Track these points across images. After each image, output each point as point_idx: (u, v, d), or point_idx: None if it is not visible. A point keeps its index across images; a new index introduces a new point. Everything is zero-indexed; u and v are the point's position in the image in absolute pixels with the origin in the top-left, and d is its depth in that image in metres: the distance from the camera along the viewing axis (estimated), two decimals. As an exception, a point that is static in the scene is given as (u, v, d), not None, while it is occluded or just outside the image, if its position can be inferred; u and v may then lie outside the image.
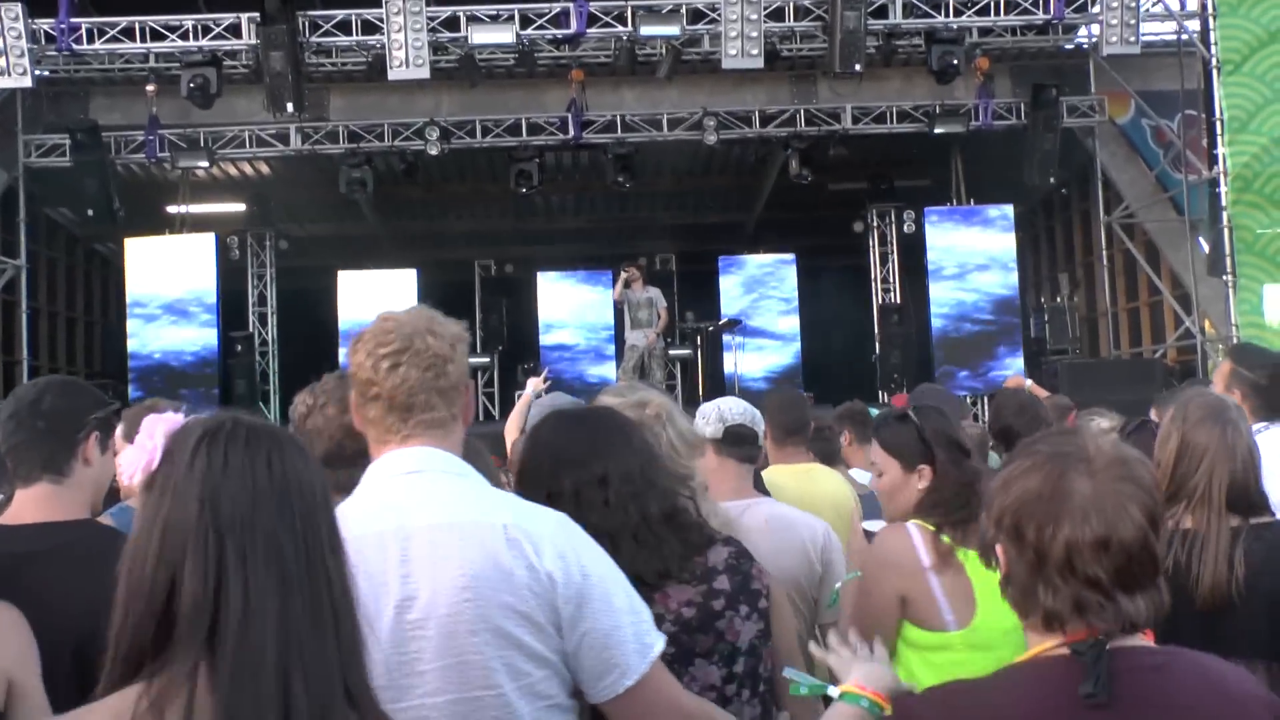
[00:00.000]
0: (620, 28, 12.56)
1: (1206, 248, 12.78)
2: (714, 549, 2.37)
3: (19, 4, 11.73)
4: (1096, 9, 12.26)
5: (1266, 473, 3.41)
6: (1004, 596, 1.72)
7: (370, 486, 2.04)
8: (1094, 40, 13.16)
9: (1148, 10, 12.58)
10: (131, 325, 15.71)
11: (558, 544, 1.92)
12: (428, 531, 1.91)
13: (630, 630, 1.94)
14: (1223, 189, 11.76)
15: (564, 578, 1.89)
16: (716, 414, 3.42)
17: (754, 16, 12.07)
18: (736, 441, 3.41)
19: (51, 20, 12.11)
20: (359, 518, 1.94)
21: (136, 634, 1.36)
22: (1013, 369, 15.33)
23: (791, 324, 17.61)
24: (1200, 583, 2.72)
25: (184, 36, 12.43)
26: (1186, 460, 2.87)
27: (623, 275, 13.37)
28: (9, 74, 11.86)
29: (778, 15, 12.60)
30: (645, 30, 12.46)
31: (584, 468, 2.28)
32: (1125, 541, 1.60)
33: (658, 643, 1.97)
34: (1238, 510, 2.83)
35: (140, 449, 1.42)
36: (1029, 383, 5.80)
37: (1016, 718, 1.64)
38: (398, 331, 2.04)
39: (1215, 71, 11.73)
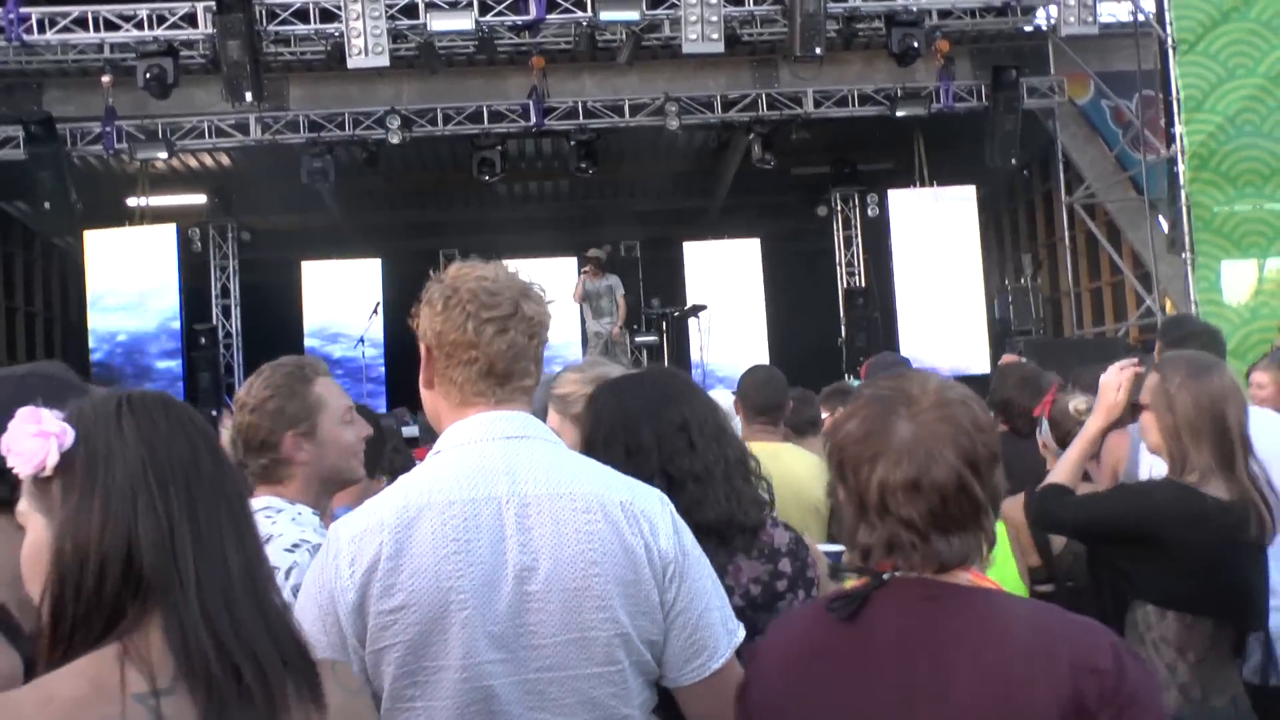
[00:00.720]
0: (580, 13, 12.50)
1: (1166, 226, 12.87)
2: (777, 530, 2.39)
3: (-32, -5, 11.57)
4: (1054, -10, 12.33)
5: None
6: (833, 531, 1.77)
7: (469, 448, 1.93)
8: (1052, 22, 13.21)
9: (1104, -10, 12.67)
10: (93, 320, 15.60)
11: (666, 523, 1.91)
12: (548, 501, 1.85)
13: (718, 613, 1.94)
14: (1180, 168, 11.84)
15: (674, 558, 1.88)
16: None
17: (713, 1, 12.06)
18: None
19: (0, 10, 11.93)
20: (465, 478, 1.88)
21: (92, 604, 1.35)
22: (977, 350, 15.48)
23: (757, 308, 17.65)
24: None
25: (139, 26, 12.26)
26: (1208, 413, 2.93)
27: (583, 274, 13.30)
28: (-41, 66, 11.72)
29: (737, 0, 12.58)
30: (605, 16, 12.40)
31: (661, 417, 2.31)
32: (938, 483, 1.59)
33: (739, 629, 1.98)
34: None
35: (41, 436, 1.40)
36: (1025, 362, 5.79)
37: (788, 638, 1.74)
38: (504, 294, 1.96)
39: (1171, 51, 11.79)
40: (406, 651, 1.78)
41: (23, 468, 1.40)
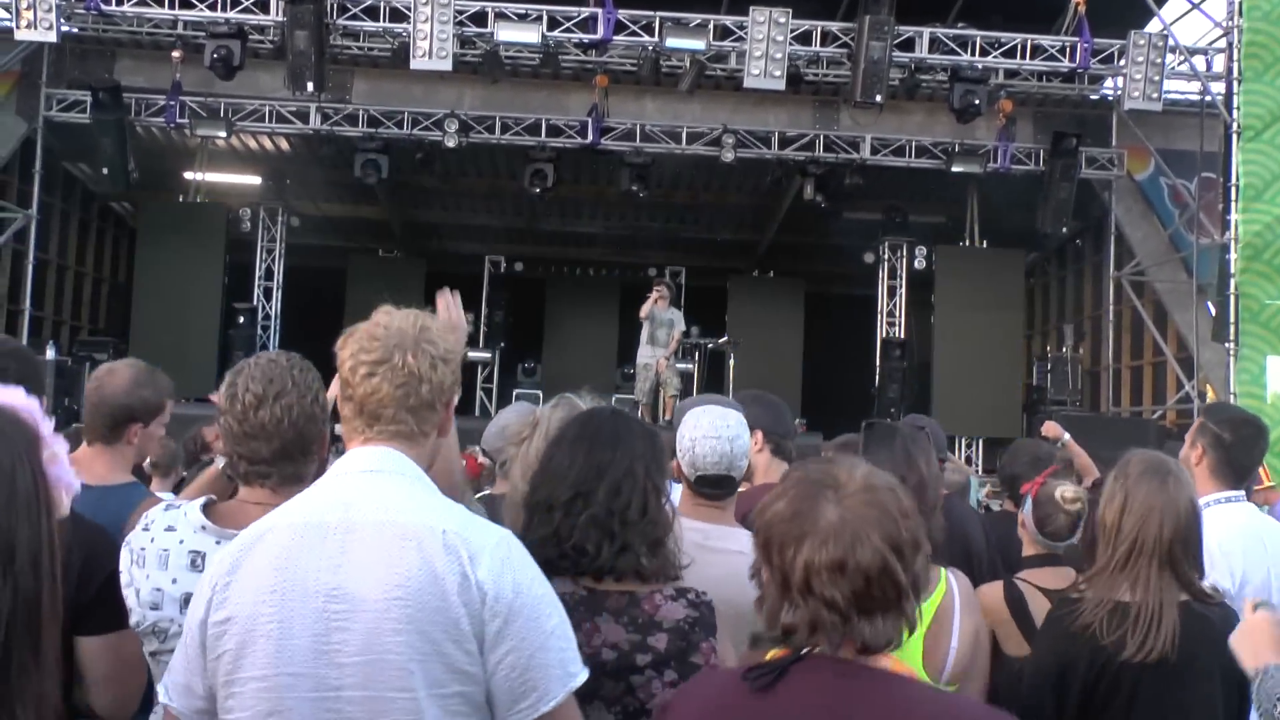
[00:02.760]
0: (647, 38, 12.55)
1: (1214, 312, 12.69)
2: (670, 604, 2.30)
3: (52, -39, 11.80)
4: (1122, 62, 12.20)
5: (1228, 549, 3.41)
6: (756, 610, 1.78)
7: (328, 479, 2.06)
8: (1118, 94, 13.08)
9: (1173, 68, 12.51)
10: (138, 286, 15.82)
11: (496, 557, 1.90)
12: (372, 528, 1.90)
13: (556, 655, 1.92)
14: (1233, 256, 11.68)
15: (495, 591, 1.87)
16: (689, 458, 3.00)
17: (779, 38, 12.07)
18: (710, 484, 3.03)
19: (83, -21, 12.18)
20: (308, 505, 2.00)
21: None
22: (1009, 415, 15.32)
23: (795, 348, 17.59)
24: (1145, 652, 2.72)
25: (211, 7, 12.44)
26: (1130, 516, 2.86)
27: (655, 295, 13.36)
28: (35, 28, 11.93)
29: (804, 39, 12.57)
30: (671, 42, 12.46)
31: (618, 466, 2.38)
32: (863, 565, 1.64)
33: (581, 673, 1.95)
34: (1179, 572, 2.83)
35: None
36: (1066, 436, 5.66)
37: (702, 704, 1.77)
38: (383, 341, 2.05)
39: (1235, 137, 11.64)
40: (228, 661, 1.91)
41: None
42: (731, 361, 14.27)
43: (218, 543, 2.36)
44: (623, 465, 2.37)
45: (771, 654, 1.73)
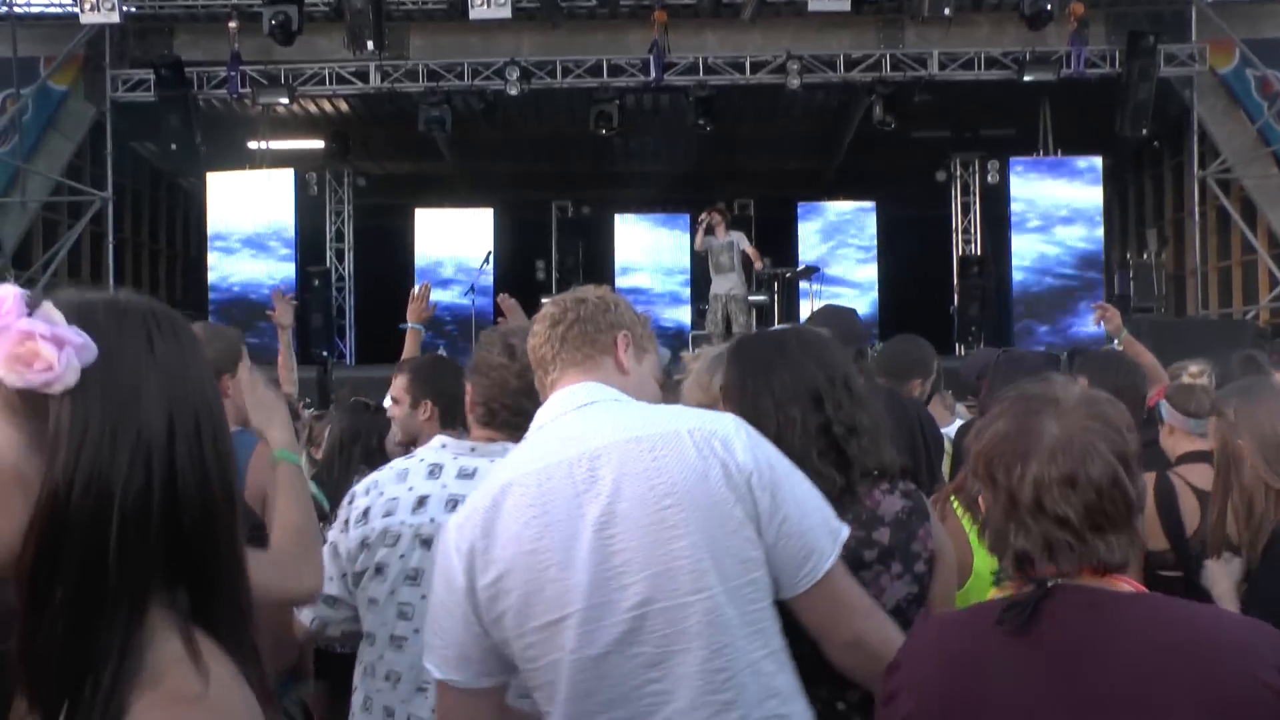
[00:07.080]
0: (705, -32, 12.33)
1: (1308, 206, 12.35)
2: (888, 498, 2.28)
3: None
4: (1202, -46, 11.78)
5: None
6: (981, 541, 1.74)
7: (545, 423, 2.10)
8: (1198, -14, 12.64)
9: (1257, -45, 12.07)
10: (211, 258, 15.98)
11: (742, 439, 1.94)
12: (616, 448, 1.93)
13: (819, 515, 1.97)
14: (1328, 146, 11.32)
15: (756, 469, 1.91)
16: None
17: (842, -41, 11.80)
18: None
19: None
20: (541, 449, 2.01)
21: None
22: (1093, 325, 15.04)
23: (869, 273, 17.39)
24: None
25: (267, -27, 12.42)
26: None
27: (702, 221, 13.03)
28: (98, 10, 11.99)
29: (867, -43, 12.28)
30: (731, -29, 12.24)
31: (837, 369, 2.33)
32: (1094, 478, 1.58)
33: (843, 527, 2.00)
34: None
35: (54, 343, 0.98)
36: (1124, 332, 5.57)
37: (944, 647, 1.68)
38: (559, 302, 2.23)
39: (1327, 21, 11.23)
40: (513, 616, 1.90)
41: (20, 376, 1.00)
42: (807, 290, 14.14)
43: (455, 456, 2.76)
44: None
45: (998, 591, 1.67)
